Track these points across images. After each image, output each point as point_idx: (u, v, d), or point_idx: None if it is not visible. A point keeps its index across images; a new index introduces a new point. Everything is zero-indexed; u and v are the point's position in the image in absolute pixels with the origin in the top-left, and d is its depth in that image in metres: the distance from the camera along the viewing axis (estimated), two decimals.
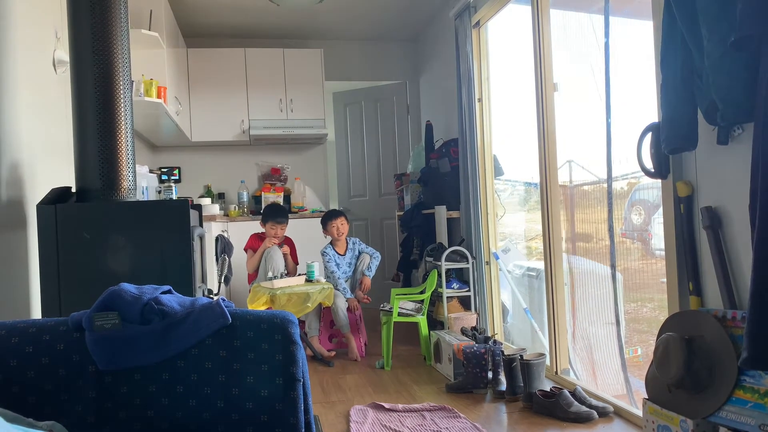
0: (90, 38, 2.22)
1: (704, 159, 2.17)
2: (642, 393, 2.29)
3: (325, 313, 4.16)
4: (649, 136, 2.29)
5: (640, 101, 2.59)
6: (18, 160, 2.28)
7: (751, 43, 1.72)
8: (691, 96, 2.03)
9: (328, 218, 4.38)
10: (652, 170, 2.31)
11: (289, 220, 4.51)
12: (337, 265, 4.32)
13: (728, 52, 1.79)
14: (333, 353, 4.04)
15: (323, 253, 4.32)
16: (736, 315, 1.97)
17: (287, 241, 4.49)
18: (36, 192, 2.41)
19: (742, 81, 1.80)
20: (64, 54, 2.63)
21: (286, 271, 4.28)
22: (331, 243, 4.39)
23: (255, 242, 4.41)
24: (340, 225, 4.33)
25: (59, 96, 2.67)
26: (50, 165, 2.58)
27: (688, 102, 2.04)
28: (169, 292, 1.45)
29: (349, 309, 4.10)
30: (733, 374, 1.90)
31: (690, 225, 2.23)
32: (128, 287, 1.37)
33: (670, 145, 2.12)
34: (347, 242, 4.42)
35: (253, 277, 4.37)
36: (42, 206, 2.13)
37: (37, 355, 1.28)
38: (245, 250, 4.44)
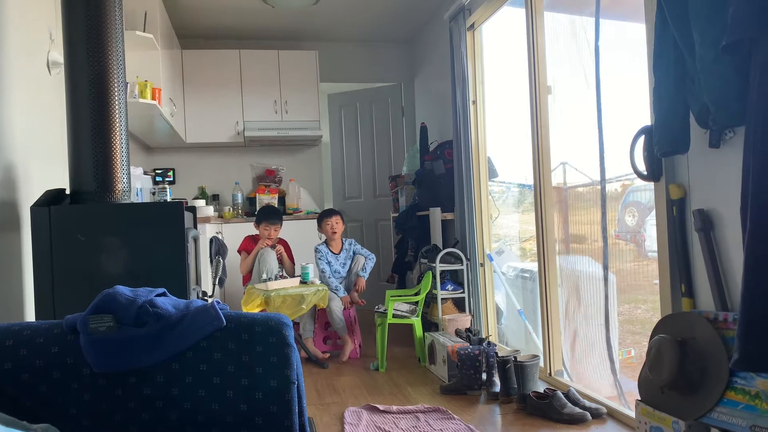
0: (84, 39, 2.21)
1: (696, 162, 2.18)
2: (636, 394, 2.30)
3: (319, 315, 4.16)
4: (642, 139, 2.31)
5: (635, 104, 2.61)
6: (12, 161, 2.27)
7: (743, 47, 1.74)
8: (683, 99, 2.05)
9: (324, 215, 4.39)
10: (645, 173, 2.33)
11: (284, 222, 4.51)
12: (330, 263, 4.32)
13: (720, 55, 1.81)
14: (327, 355, 4.05)
15: (316, 250, 4.33)
16: (727, 317, 1.98)
17: (281, 242, 4.49)
18: (30, 194, 2.40)
19: (733, 84, 1.81)
20: (58, 55, 2.62)
21: (281, 272, 4.28)
22: (326, 242, 4.40)
23: (249, 244, 4.41)
24: (335, 223, 4.33)
25: (53, 97, 2.67)
26: (44, 167, 2.58)
27: (680, 105, 2.06)
28: (163, 294, 1.45)
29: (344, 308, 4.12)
30: (724, 376, 1.92)
31: (682, 227, 2.25)
32: (123, 290, 1.37)
33: (662, 148, 2.13)
34: (343, 242, 4.42)
35: (247, 278, 4.36)
36: (36, 208, 2.12)
37: (31, 358, 1.28)
38: (239, 251, 4.44)
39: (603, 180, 2.83)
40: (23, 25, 2.41)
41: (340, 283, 4.32)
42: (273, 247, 4.34)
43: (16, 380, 1.26)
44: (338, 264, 4.37)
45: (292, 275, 4.35)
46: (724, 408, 1.90)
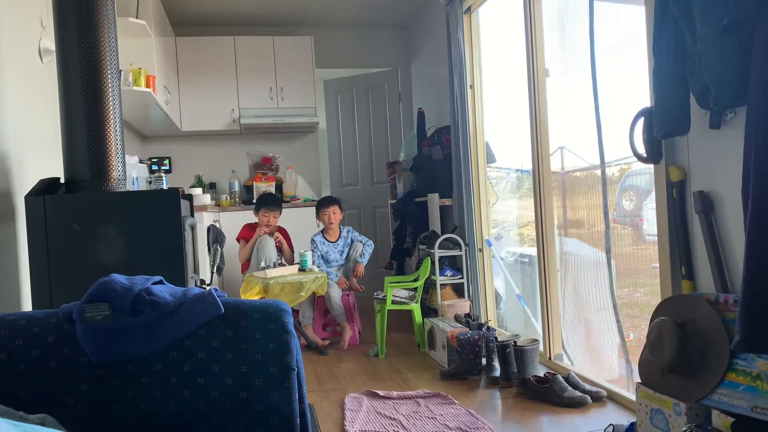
0: (76, 27, 2.18)
1: (697, 143, 2.16)
2: (634, 377, 2.30)
3: (318, 302, 4.16)
4: (641, 121, 2.28)
5: (634, 86, 2.58)
6: (5, 151, 2.24)
7: (744, 27, 1.72)
8: (684, 80, 2.03)
9: (322, 205, 4.37)
10: (645, 155, 2.31)
11: (282, 210, 4.49)
12: (326, 252, 4.32)
13: (721, 35, 1.78)
14: (327, 342, 4.05)
15: (311, 241, 4.32)
16: (728, 298, 1.97)
17: (280, 230, 4.48)
18: (24, 183, 2.38)
19: (734, 64, 1.79)
20: (50, 43, 2.58)
21: (280, 260, 4.27)
22: (323, 230, 4.39)
23: (247, 232, 4.40)
24: (333, 213, 4.32)
25: (46, 85, 2.63)
26: (38, 156, 2.55)
27: (680, 86, 2.04)
28: (160, 282, 1.43)
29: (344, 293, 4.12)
30: (725, 357, 1.91)
31: (682, 210, 2.23)
32: (119, 278, 1.35)
33: (662, 129, 2.11)
34: (340, 230, 4.41)
35: (246, 267, 4.35)
36: (30, 197, 2.10)
37: (27, 348, 1.26)
38: (237, 240, 4.43)
39: (602, 163, 2.81)
40: (13, 12, 2.37)
41: (338, 270, 4.32)
42: (271, 234, 4.33)
43: (12, 371, 1.25)
44: (336, 252, 4.35)
45: (291, 263, 4.34)
46: (725, 389, 1.89)
